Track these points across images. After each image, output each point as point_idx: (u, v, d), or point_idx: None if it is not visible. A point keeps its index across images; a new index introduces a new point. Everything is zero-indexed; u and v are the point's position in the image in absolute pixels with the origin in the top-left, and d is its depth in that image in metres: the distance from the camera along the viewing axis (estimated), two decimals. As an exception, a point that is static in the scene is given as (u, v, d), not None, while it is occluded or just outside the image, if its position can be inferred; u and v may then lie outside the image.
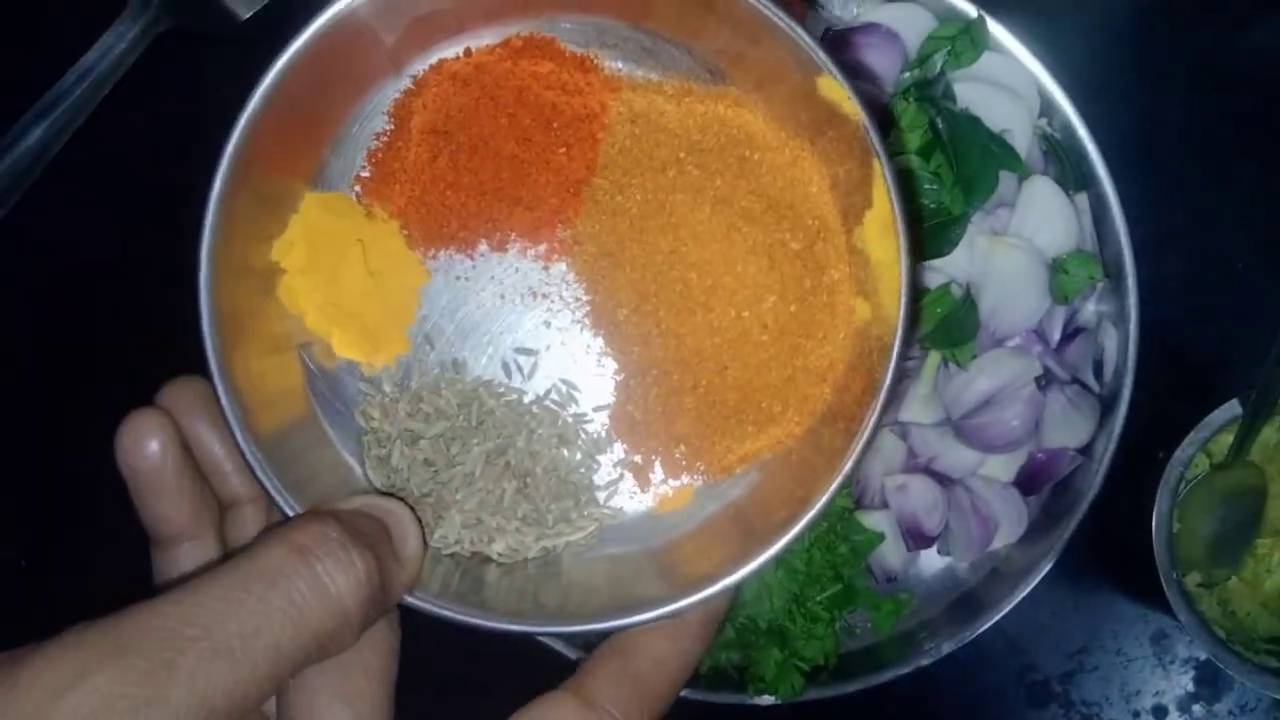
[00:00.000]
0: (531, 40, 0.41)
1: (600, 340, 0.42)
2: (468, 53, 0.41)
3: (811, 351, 0.40)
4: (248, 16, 0.64)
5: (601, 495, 0.41)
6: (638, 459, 0.41)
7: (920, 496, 0.62)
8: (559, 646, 0.59)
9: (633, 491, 0.41)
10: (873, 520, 0.62)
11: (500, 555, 0.40)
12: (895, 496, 0.62)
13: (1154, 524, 0.57)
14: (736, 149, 0.41)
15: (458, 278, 0.42)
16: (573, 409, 0.42)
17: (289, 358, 0.40)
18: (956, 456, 0.62)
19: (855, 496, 0.63)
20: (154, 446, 0.34)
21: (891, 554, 0.63)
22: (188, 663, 0.26)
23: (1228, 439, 0.60)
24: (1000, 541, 0.63)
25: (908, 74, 0.62)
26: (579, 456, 0.41)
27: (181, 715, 0.25)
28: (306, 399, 0.41)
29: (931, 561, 0.65)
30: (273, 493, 0.36)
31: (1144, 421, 0.61)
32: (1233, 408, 0.58)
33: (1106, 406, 0.62)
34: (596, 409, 0.42)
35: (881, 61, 0.62)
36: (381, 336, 0.41)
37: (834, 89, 0.37)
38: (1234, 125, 0.67)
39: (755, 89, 0.41)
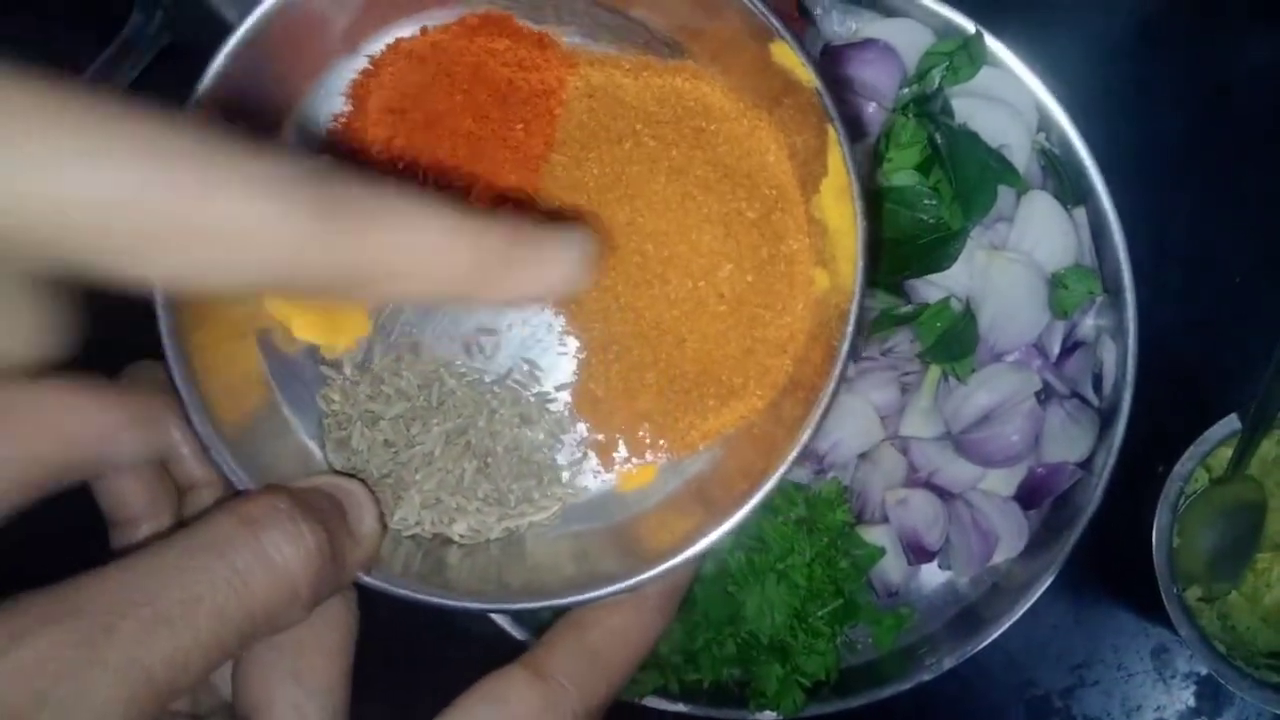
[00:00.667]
0: (488, 17, 0.41)
1: (561, 319, 0.41)
2: (424, 31, 0.41)
3: (770, 322, 0.40)
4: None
5: (565, 474, 0.41)
6: (601, 437, 0.41)
7: (921, 511, 0.62)
8: (514, 631, 0.58)
9: (596, 470, 0.41)
10: (873, 535, 0.62)
11: (462, 536, 0.39)
12: (896, 511, 0.62)
13: (1154, 538, 0.57)
14: (693, 120, 0.41)
15: None
16: (535, 388, 0.41)
17: (248, 343, 0.40)
18: (957, 471, 0.62)
19: (856, 511, 0.63)
20: None
21: (892, 569, 0.63)
22: (127, 627, 0.26)
23: (1227, 453, 0.60)
24: (1001, 556, 0.63)
25: (906, 89, 0.62)
26: (541, 436, 0.41)
27: (119, 679, 0.25)
28: (267, 384, 0.40)
29: (932, 576, 0.65)
30: (230, 476, 0.36)
31: (1144, 435, 0.61)
32: (1231, 422, 0.58)
33: (1106, 420, 0.62)
34: (559, 388, 0.41)
35: (880, 77, 0.62)
36: (341, 319, 0.41)
37: (787, 56, 0.37)
38: (1232, 140, 0.68)
39: (713, 61, 0.41)
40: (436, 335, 0.42)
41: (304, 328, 0.40)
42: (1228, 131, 0.68)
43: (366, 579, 0.35)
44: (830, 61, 0.63)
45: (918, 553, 0.62)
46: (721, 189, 0.40)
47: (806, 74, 0.36)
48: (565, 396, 0.42)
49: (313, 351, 0.41)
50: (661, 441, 0.41)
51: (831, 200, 0.38)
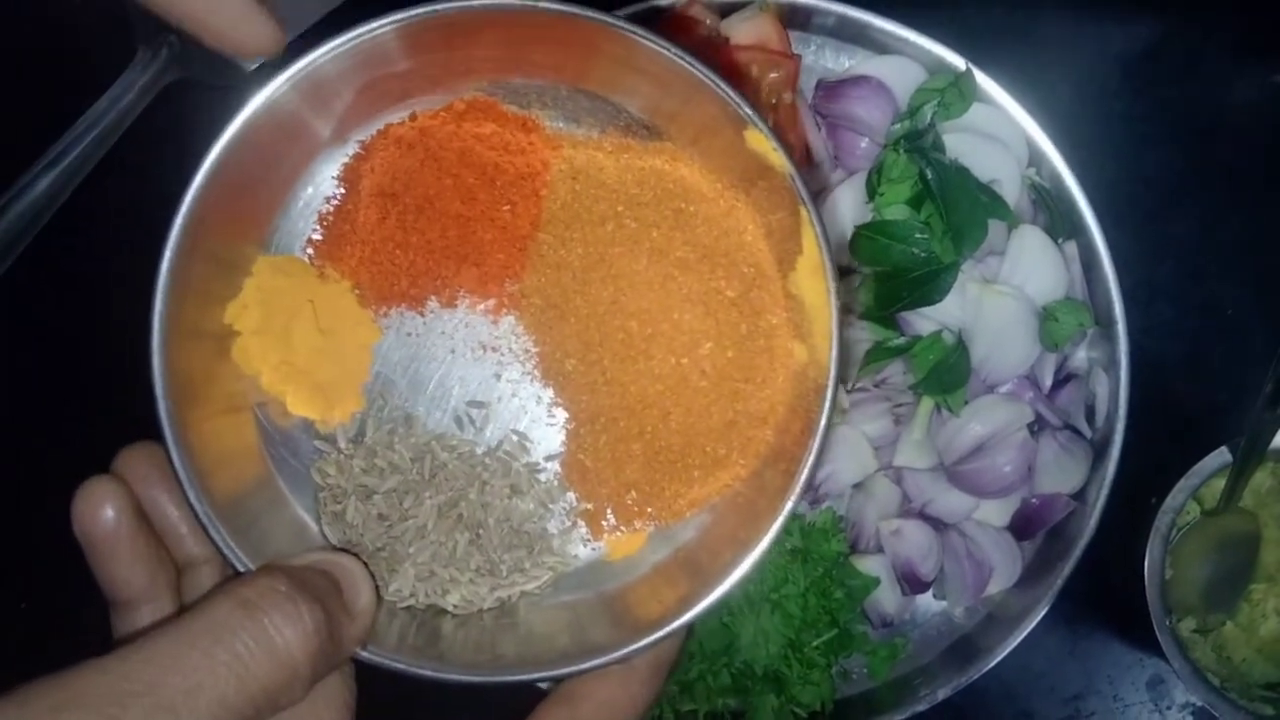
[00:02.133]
0: (474, 103, 0.42)
1: (550, 391, 0.42)
2: (413, 117, 0.42)
3: (751, 395, 0.41)
4: (255, 68, 0.66)
5: (555, 543, 0.42)
6: (590, 506, 0.42)
7: (915, 541, 0.62)
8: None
9: (586, 538, 0.42)
10: (868, 565, 0.62)
11: (455, 607, 0.40)
12: (890, 541, 0.62)
13: (1146, 571, 0.57)
14: (672, 201, 0.42)
15: (409, 334, 0.43)
16: (525, 459, 0.42)
17: (244, 418, 0.41)
18: (950, 501, 0.62)
19: (850, 541, 0.63)
20: (108, 513, 0.35)
21: (887, 599, 0.63)
22: (131, 718, 0.26)
23: (1219, 484, 0.60)
24: (995, 586, 0.63)
25: (898, 125, 0.63)
26: (531, 506, 0.42)
27: None
28: (262, 458, 0.41)
29: (927, 606, 0.65)
30: (228, 554, 0.36)
31: (1136, 467, 0.61)
32: (1222, 454, 0.58)
33: (1099, 452, 0.62)
34: (548, 458, 0.42)
35: (872, 113, 0.63)
36: (335, 394, 0.42)
37: (760, 141, 0.38)
38: (1219, 175, 0.69)
39: (691, 144, 0.42)
40: (428, 409, 0.43)
41: (298, 403, 0.42)
42: (1217, 167, 0.69)
43: (363, 653, 0.36)
44: (823, 98, 0.64)
45: (912, 583, 0.62)
46: (701, 269, 0.41)
47: (779, 159, 0.38)
48: (554, 467, 0.42)
49: (307, 426, 0.42)
50: (649, 509, 0.42)
51: (807, 276, 0.39)
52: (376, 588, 0.37)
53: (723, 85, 0.37)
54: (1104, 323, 0.63)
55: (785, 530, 0.37)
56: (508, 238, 0.42)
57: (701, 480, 0.41)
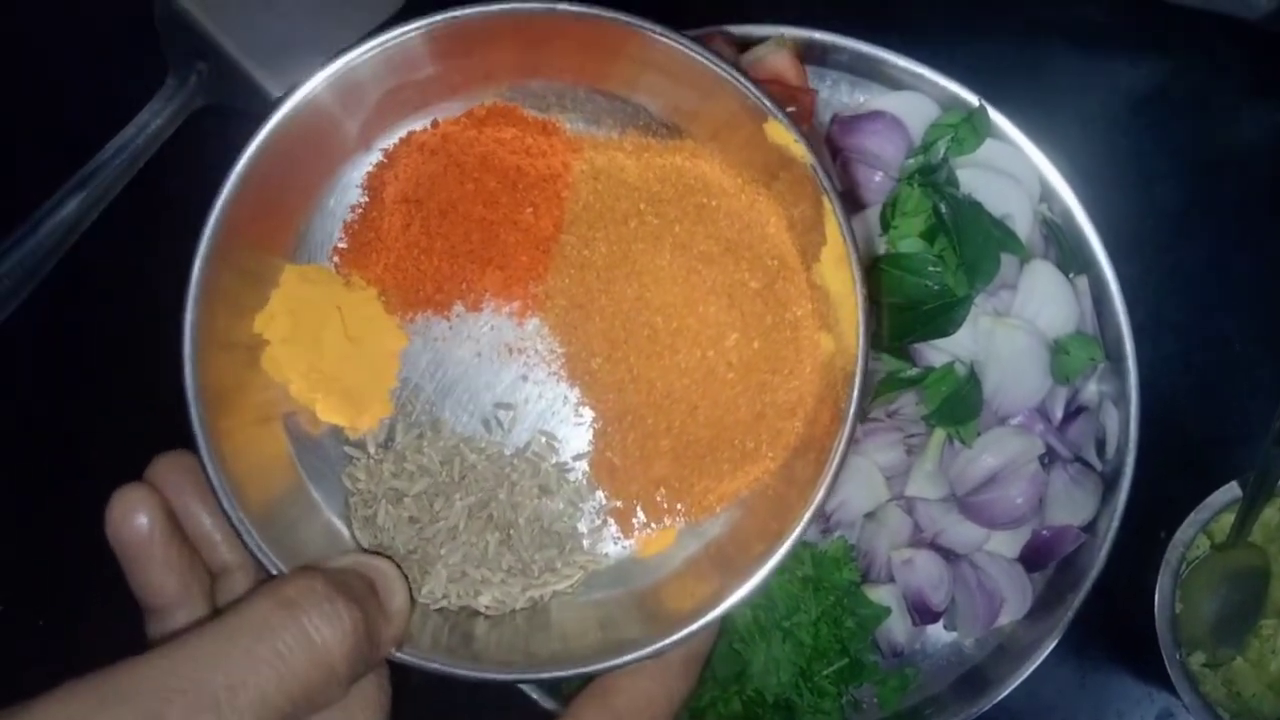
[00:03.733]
0: (494, 108, 0.43)
1: (576, 390, 0.43)
2: (435, 124, 0.43)
3: (779, 386, 0.41)
4: (281, 94, 0.67)
5: (586, 542, 0.42)
6: (619, 504, 0.42)
7: (926, 571, 0.62)
8: (544, 701, 0.59)
9: (616, 537, 0.42)
10: (879, 595, 0.63)
11: (488, 607, 0.40)
12: (901, 571, 0.62)
13: (1156, 604, 0.58)
14: (694, 197, 0.43)
15: (435, 339, 0.43)
16: (553, 459, 0.43)
17: (274, 427, 0.41)
18: (962, 532, 0.63)
19: (862, 570, 0.63)
20: (142, 520, 0.35)
21: (898, 629, 0.63)
22: (174, 714, 0.27)
23: (1229, 519, 0.60)
24: (1006, 617, 0.63)
25: (911, 159, 0.64)
26: (561, 505, 0.42)
27: None
28: (293, 466, 0.42)
29: (938, 637, 0.65)
30: (262, 559, 0.37)
31: (1146, 500, 0.62)
32: (1232, 489, 0.59)
33: (1109, 485, 0.63)
34: (576, 457, 0.43)
35: (886, 147, 0.64)
36: (364, 400, 0.43)
37: (781, 133, 0.39)
38: (1228, 211, 0.70)
39: (711, 139, 0.43)
40: (456, 412, 0.43)
41: (328, 410, 0.42)
42: (1225, 203, 0.70)
43: (398, 654, 0.36)
44: (838, 132, 0.65)
45: (923, 613, 0.62)
46: (724, 262, 0.42)
47: (800, 150, 0.38)
48: (583, 466, 0.43)
49: (337, 432, 0.43)
50: (679, 506, 0.42)
51: (832, 267, 0.40)
52: (410, 589, 0.37)
53: (743, 79, 0.38)
54: (1114, 356, 0.63)
55: (809, 527, 0.37)
56: (531, 240, 0.43)
57: (731, 474, 0.41)
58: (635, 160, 0.43)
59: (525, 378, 0.43)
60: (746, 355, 0.41)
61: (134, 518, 0.35)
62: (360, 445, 0.42)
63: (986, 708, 0.61)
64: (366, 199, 0.43)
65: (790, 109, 0.65)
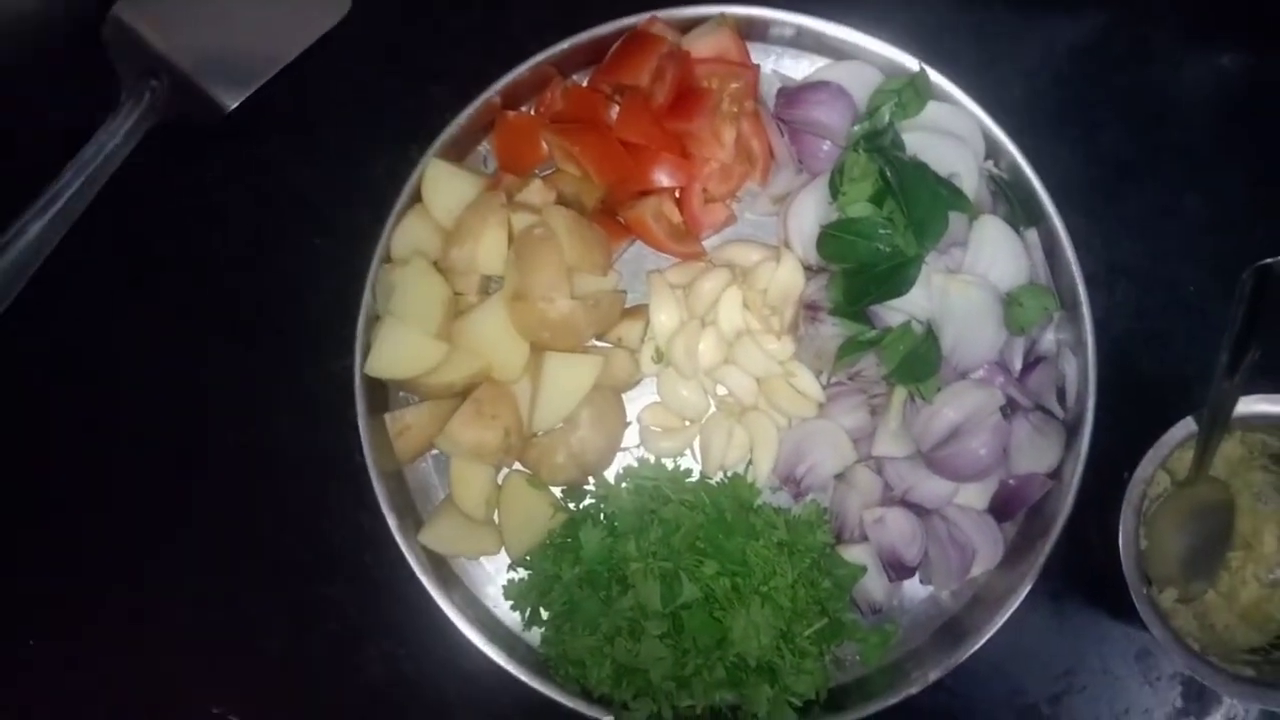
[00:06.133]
0: None
1: None
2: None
3: None
4: (234, 106, 0.68)
5: None
6: None
7: (898, 528, 0.63)
8: None
9: None
10: (854, 554, 0.64)
11: None
12: (874, 529, 0.64)
13: (1121, 541, 0.59)
14: None
15: None
16: None
17: None
18: (931, 487, 0.64)
19: (835, 531, 0.65)
20: None
21: (874, 586, 0.64)
22: None
23: (1188, 456, 0.61)
24: (979, 568, 0.65)
25: (858, 127, 0.65)
26: None
27: None
28: None
29: (914, 591, 0.67)
30: None
31: (1109, 444, 0.63)
32: (1188, 424, 0.60)
33: (1071, 430, 0.64)
34: None
35: (832, 117, 0.65)
36: None
37: None
38: (1173, 157, 0.71)
39: None
40: None
41: None
42: (1170, 149, 0.71)
43: None
44: (784, 105, 0.66)
45: (898, 569, 0.64)
46: None
47: None
48: None
49: None
50: None
51: None
52: None
53: None
54: (1069, 306, 0.65)
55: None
56: None
57: None
58: None
59: None
60: None
61: None
62: None
63: (966, 657, 0.62)
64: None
65: (735, 85, 0.66)
